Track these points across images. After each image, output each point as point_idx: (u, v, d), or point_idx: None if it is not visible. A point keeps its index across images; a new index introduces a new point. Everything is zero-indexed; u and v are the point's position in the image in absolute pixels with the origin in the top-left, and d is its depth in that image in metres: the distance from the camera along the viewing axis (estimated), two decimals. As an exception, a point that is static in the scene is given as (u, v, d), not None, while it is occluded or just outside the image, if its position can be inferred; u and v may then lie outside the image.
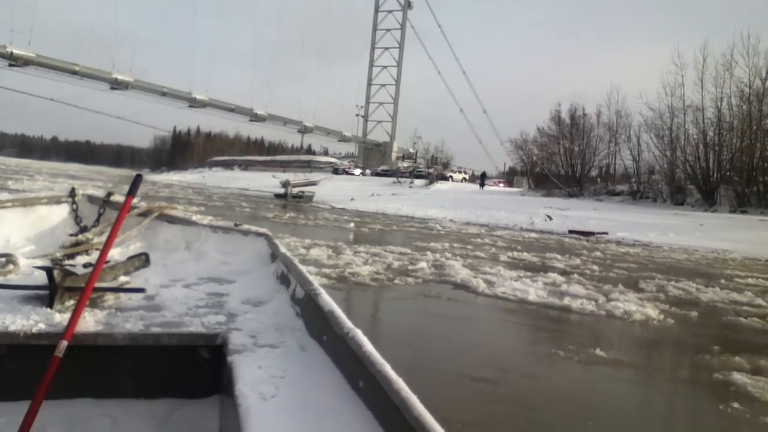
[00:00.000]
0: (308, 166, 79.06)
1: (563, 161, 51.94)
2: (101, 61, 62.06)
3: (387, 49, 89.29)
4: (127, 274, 2.99)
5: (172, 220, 3.93)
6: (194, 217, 3.97)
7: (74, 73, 60.43)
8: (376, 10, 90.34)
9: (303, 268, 2.63)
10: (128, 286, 2.74)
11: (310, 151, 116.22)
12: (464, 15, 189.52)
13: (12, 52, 54.91)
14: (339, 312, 1.95)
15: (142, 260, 3.23)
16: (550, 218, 28.20)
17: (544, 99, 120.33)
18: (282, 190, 37.88)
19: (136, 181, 2.67)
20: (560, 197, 45.67)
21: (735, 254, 19.74)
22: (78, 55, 59.72)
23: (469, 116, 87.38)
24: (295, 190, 38.06)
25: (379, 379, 1.47)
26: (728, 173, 39.83)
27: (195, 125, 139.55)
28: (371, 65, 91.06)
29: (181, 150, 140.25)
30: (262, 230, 3.65)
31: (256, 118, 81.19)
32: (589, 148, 50.96)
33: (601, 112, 50.06)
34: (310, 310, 2.23)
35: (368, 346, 1.63)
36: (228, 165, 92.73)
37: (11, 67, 55.99)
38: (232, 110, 78.86)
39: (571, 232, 24.73)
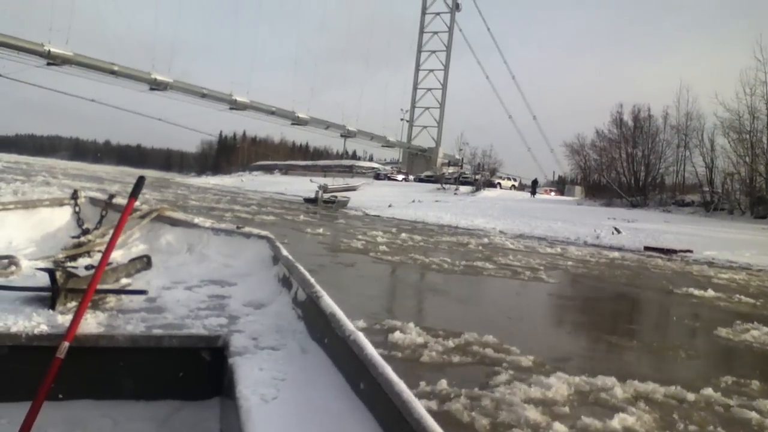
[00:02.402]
0: (350, 170, 76.29)
1: (625, 167, 47.16)
2: (141, 63, 60.38)
3: (434, 52, 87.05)
4: (128, 276, 3.01)
5: (175, 222, 3.91)
6: (196, 220, 3.93)
7: (112, 72, 59.11)
8: (423, 12, 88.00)
9: (305, 271, 2.63)
10: (130, 288, 2.76)
11: (354, 156, 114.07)
12: (512, 20, 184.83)
13: (50, 51, 53.89)
14: (341, 314, 1.98)
15: (143, 262, 3.22)
16: (618, 231, 24.09)
17: (598, 106, 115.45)
18: (313, 195, 34.64)
19: (139, 183, 2.64)
20: (622, 207, 41.22)
21: None
22: (117, 56, 57.76)
23: (517, 123, 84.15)
24: (327, 195, 34.81)
25: (380, 381, 1.50)
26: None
27: (241, 130, 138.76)
28: (417, 68, 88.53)
29: (226, 154, 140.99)
30: (263, 233, 3.62)
31: (297, 121, 79.29)
32: (655, 153, 46.09)
33: (669, 113, 45.16)
34: (311, 313, 2.25)
35: (370, 348, 1.66)
36: (269, 169, 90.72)
37: (49, 66, 54.85)
38: (273, 113, 77.09)
39: (647, 249, 20.66)
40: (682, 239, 22.63)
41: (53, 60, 54.02)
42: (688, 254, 19.64)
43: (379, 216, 29.48)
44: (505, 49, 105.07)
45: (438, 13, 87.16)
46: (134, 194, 2.59)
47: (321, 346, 2.04)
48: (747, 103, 37.80)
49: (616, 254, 18.42)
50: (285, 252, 3.10)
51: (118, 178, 56.01)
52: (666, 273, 14.48)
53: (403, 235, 17.74)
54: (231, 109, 72.27)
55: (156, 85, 63.07)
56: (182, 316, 2.42)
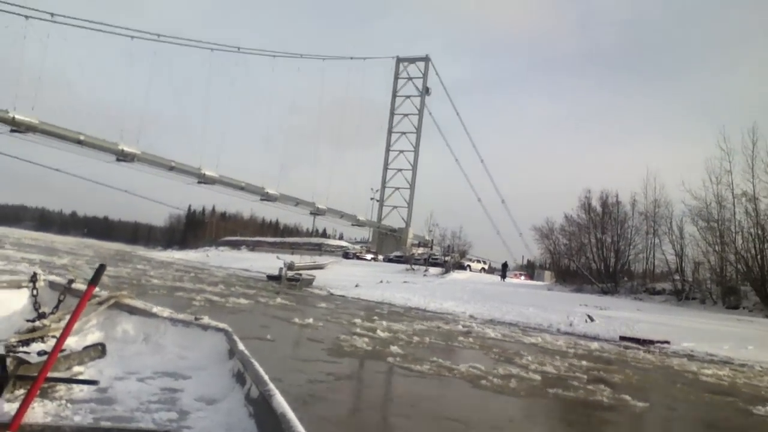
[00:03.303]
0: (318, 249, 75.15)
1: (595, 253, 46.75)
2: (109, 134, 59.94)
3: (404, 133, 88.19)
4: (81, 364, 2.93)
5: (133, 310, 3.81)
6: (155, 309, 3.82)
7: (79, 142, 58.53)
8: (394, 95, 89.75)
9: (259, 367, 2.59)
10: (81, 377, 2.69)
11: (324, 234, 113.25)
12: (481, 106, 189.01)
13: (14, 117, 53.08)
14: (291, 415, 1.94)
15: (98, 351, 3.15)
16: (592, 319, 23.23)
17: (566, 190, 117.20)
18: (277, 272, 33.41)
19: (99, 271, 2.51)
20: (593, 293, 40.48)
21: None
22: (84, 127, 57.33)
23: (486, 206, 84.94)
24: (291, 273, 33.59)
25: None
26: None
27: (210, 205, 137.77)
28: (388, 149, 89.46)
29: (194, 229, 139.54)
30: (222, 325, 3.54)
31: (267, 197, 79.12)
32: (624, 240, 45.76)
33: (636, 200, 45.13)
34: (262, 412, 2.18)
35: None
36: (236, 245, 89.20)
37: (12, 133, 53.92)
38: (242, 188, 76.93)
39: (623, 338, 19.78)
40: (657, 329, 21.81)
41: (17, 127, 53.13)
42: (665, 345, 18.78)
43: (344, 296, 28.31)
44: (474, 132, 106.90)
45: (408, 96, 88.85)
46: (94, 281, 2.46)
47: None
48: (714, 191, 37.83)
49: (589, 344, 17.47)
50: (241, 346, 3.04)
51: (73, 250, 54.27)
52: (647, 367, 13.55)
53: (401, 326, 16.23)
54: (199, 182, 71.68)
55: (123, 156, 62.46)
56: (132, 409, 2.35)
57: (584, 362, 12.80)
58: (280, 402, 2.07)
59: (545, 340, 16.62)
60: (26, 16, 50.94)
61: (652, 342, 19.07)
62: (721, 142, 37.88)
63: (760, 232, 35.67)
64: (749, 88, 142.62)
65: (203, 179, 71.86)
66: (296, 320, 14.63)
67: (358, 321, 15.92)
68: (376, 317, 17.73)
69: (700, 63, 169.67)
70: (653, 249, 44.66)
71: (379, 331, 13.86)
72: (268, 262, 41.59)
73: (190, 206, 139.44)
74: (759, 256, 35.29)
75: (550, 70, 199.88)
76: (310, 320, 14.70)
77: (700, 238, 39.15)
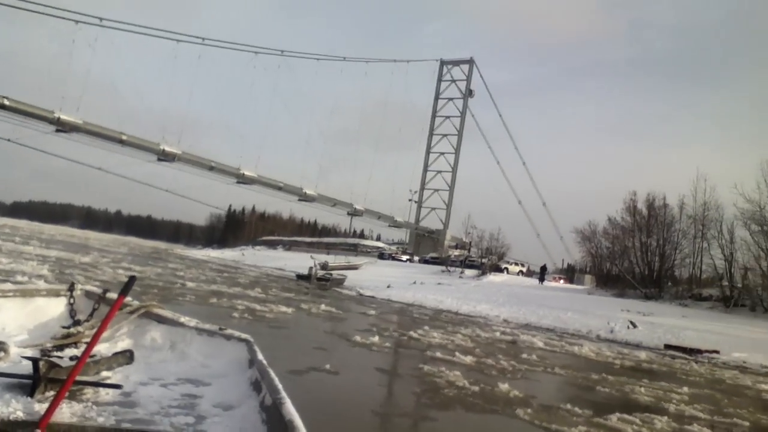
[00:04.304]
0: (354, 249, 74.71)
1: (639, 257, 44.99)
2: (151, 135, 60.51)
3: (445, 135, 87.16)
4: (109, 369, 3.06)
5: (162, 319, 3.99)
6: (182, 319, 3.99)
7: (121, 142, 58.89)
8: (437, 97, 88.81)
9: (274, 376, 2.71)
10: (109, 381, 2.83)
11: (361, 235, 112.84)
12: (525, 108, 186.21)
13: (59, 118, 53.77)
14: (298, 422, 2.08)
15: (126, 357, 3.27)
16: (635, 325, 21.92)
17: (609, 195, 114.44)
18: (306, 271, 32.77)
19: (130, 282, 2.72)
20: (635, 299, 38.81)
21: None
22: (126, 127, 58.04)
23: (527, 208, 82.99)
24: (321, 272, 32.89)
25: None
26: None
27: (251, 205, 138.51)
28: (428, 151, 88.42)
29: (234, 228, 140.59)
30: (244, 336, 3.67)
31: (305, 197, 78.73)
32: (670, 244, 43.94)
33: (685, 203, 43.20)
34: (274, 419, 2.29)
35: None
36: (272, 244, 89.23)
37: (58, 133, 54.78)
38: (280, 188, 76.59)
39: (668, 347, 18.49)
40: (705, 337, 20.44)
41: (62, 127, 53.85)
42: (714, 355, 17.45)
43: (374, 297, 27.47)
44: (517, 135, 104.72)
45: (451, 99, 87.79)
46: (124, 291, 2.70)
47: None
48: (769, 194, 36.01)
49: (629, 352, 16.24)
50: (260, 356, 3.19)
51: (107, 247, 54.70)
52: (694, 379, 12.36)
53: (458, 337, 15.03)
54: (238, 182, 71.66)
55: (164, 156, 62.69)
56: (152, 413, 2.47)
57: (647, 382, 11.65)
58: (290, 409, 2.16)
59: (595, 350, 15.36)
60: (76, 21, 51.74)
61: (700, 351, 17.75)
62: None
63: (816, 236, 33.79)
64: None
65: (242, 179, 71.81)
66: (356, 338, 12.15)
67: (420, 334, 14.19)
68: (427, 326, 16.50)
69: (756, 64, 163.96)
70: (701, 253, 42.65)
71: (458, 354, 11.32)
72: (303, 262, 41.09)
73: (230, 206, 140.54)
74: (814, 262, 33.40)
75: (597, 75, 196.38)
76: (375, 339, 12.14)
77: (751, 243, 37.28)
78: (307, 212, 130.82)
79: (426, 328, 15.20)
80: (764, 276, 36.87)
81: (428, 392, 8.10)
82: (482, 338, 14.98)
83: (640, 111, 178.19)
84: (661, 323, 23.69)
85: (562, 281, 59.55)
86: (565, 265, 74.21)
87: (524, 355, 12.37)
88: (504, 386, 8.62)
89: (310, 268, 32.74)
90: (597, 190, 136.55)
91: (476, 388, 8.34)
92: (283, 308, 15.07)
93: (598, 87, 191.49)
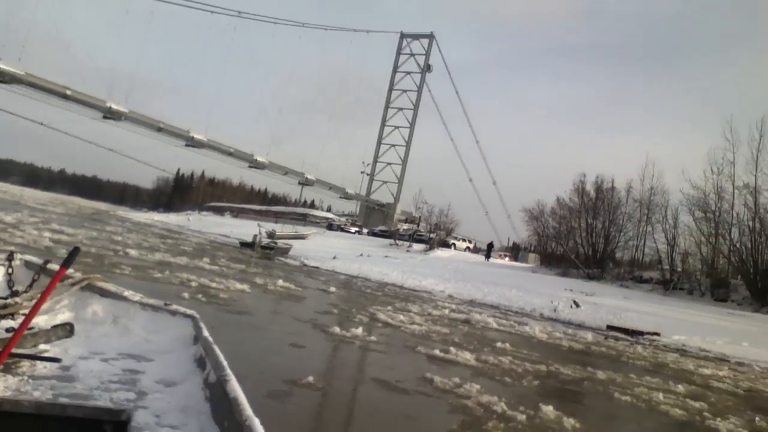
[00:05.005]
0: (303, 219, 73.83)
1: (584, 238, 45.64)
2: (98, 92, 58.16)
3: (401, 109, 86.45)
4: (48, 342, 2.98)
5: (104, 293, 3.90)
6: (126, 293, 3.90)
7: (65, 97, 56.48)
8: (395, 70, 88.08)
9: (220, 353, 2.64)
10: (47, 355, 2.75)
11: (312, 206, 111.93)
12: (481, 88, 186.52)
13: (-1, 67, 51.08)
14: (242, 399, 2.01)
15: (66, 330, 3.16)
16: (578, 305, 21.96)
17: (560, 177, 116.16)
18: (250, 239, 32.01)
19: (73, 254, 2.57)
20: (578, 278, 39.34)
21: None
22: (73, 83, 55.65)
23: (477, 187, 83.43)
24: (266, 241, 32.18)
25: None
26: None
27: (200, 169, 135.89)
28: (383, 124, 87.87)
29: (181, 192, 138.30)
30: (189, 312, 3.58)
31: (255, 164, 77.50)
32: (615, 226, 44.67)
33: (632, 187, 43.93)
34: (218, 396, 2.25)
35: None
36: (220, 211, 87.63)
37: (-5, 82, 52.18)
38: (231, 154, 75.18)
39: (610, 328, 18.52)
40: (645, 319, 20.60)
41: (1, 77, 51.37)
42: (655, 337, 17.54)
43: (318, 267, 26.91)
44: (473, 114, 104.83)
45: (409, 72, 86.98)
46: (67, 263, 2.55)
47: (221, 428, 2.02)
48: (714, 182, 36.76)
49: (575, 333, 16.13)
50: (206, 333, 3.11)
51: (41, 206, 52.56)
52: (638, 363, 12.27)
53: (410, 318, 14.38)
54: (187, 145, 70.01)
55: (110, 114, 60.63)
56: (92, 387, 2.39)
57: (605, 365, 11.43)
58: (234, 387, 2.11)
59: (545, 331, 15.01)
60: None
61: (641, 333, 17.82)
62: (728, 133, 36.84)
63: (758, 225, 34.60)
64: (758, 80, 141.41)
65: (191, 142, 70.14)
66: (335, 330, 10.03)
67: (391, 317, 12.71)
68: (390, 307, 15.82)
69: (709, 55, 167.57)
70: (644, 237, 43.56)
71: (454, 350, 9.54)
72: (250, 230, 40.15)
73: (179, 170, 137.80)
74: (754, 250, 34.25)
75: (554, 58, 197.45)
76: (359, 331, 10.04)
77: (694, 228, 38.13)
78: (257, 180, 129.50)
79: (389, 309, 14.43)
80: (704, 261, 37.78)
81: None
82: (435, 316, 14.44)
83: (594, 95, 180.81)
84: (603, 304, 23.85)
85: (507, 258, 60.11)
86: (511, 243, 75.07)
87: (498, 344, 11.07)
88: (553, 412, 6.52)
89: (255, 235, 31.97)
90: (548, 172, 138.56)
91: (522, 417, 6.20)
92: (238, 285, 13.29)
93: (555, 69, 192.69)
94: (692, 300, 33.73)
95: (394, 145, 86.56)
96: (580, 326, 18.45)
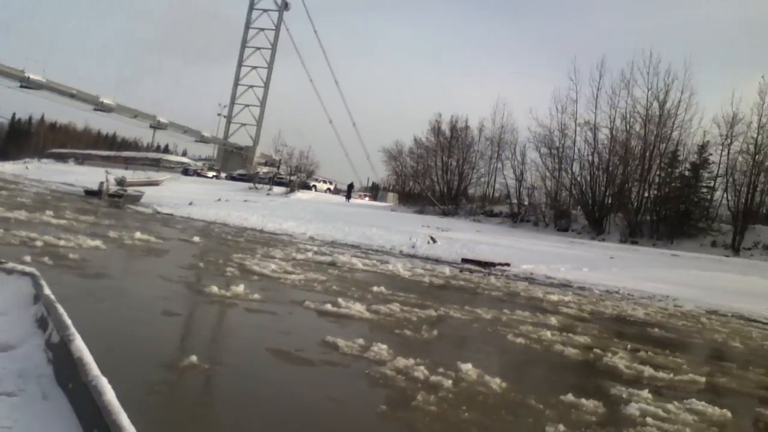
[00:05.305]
0: (157, 164, 70.28)
1: (439, 176, 47.26)
2: None
3: (258, 49, 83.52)
4: None
5: None
6: None
7: None
8: (251, 8, 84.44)
9: (63, 312, 2.46)
10: None
11: (166, 150, 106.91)
12: (340, 28, 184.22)
13: None
14: (89, 359, 1.91)
15: None
16: (435, 241, 22.80)
17: (420, 120, 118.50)
18: (96, 187, 30.20)
19: None
20: (434, 215, 40.88)
21: (680, 301, 15.22)
22: None
23: (337, 129, 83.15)
24: (114, 188, 30.52)
25: (112, 429, 1.39)
26: (620, 200, 36.49)
27: (39, 113, 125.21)
28: (240, 64, 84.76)
29: (18, 139, 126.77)
30: (28, 269, 3.46)
31: (102, 107, 72.87)
32: (468, 164, 46.64)
33: (484, 125, 45.93)
34: (61, 357, 2.10)
35: (109, 394, 1.56)
36: (63, 157, 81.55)
37: None
38: (73, 96, 70.10)
39: (465, 261, 19.41)
40: (496, 251, 21.80)
41: None
42: (506, 268, 18.63)
43: (172, 214, 25.93)
44: (332, 54, 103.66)
45: (266, 10, 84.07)
46: None
47: (65, 391, 1.88)
48: (558, 120, 39.13)
49: (433, 267, 16.78)
50: (47, 291, 3.03)
51: None
52: (492, 293, 13.00)
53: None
54: (22, 87, 64.35)
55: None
56: None
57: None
58: (79, 346, 2.00)
59: (406, 267, 15.37)
60: None
61: (493, 264, 18.85)
62: (572, 73, 39.25)
63: (596, 159, 37.33)
64: (598, 24, 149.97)
65: (27, 83, 64.43)
66: (213, 288, 8.60)
67: (263, 266, 11.76)
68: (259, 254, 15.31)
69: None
70: (495, 173, 45.90)
71: (343, 301, 8.73)
72: (97, 177, 37.79)
73: (14, 114, 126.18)
74: (593, 182, 37.03)
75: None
76: (240, 289, 8.70)
77: (540, 164, 40.56)
78: (104, 124, 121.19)
79: (258, 257, 13.97)
80: (548, 194, 40.41)
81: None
82: (301, 261, 14.20)
83: (449, 36, 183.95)
84: (457, 238, 24.91)
85: (367, 198, 60.99)
86: (371, 184, 76.14)
87: (374, 288, 10.59)
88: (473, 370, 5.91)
89: (101, 183, 30.12)
90: (407, 113, 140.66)
91: (448, 383, 5.44)
92: (90, 241, 11.60)
93: (412, 11, 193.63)
94: (537, 231, 36.11)
95: (252, 86, 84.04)
96: (438, 261, 19.19)
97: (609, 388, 5.92)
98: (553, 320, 9.65)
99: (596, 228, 35.63)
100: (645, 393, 5.76)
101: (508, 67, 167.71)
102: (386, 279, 12.82)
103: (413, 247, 21.55)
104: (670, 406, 5.41)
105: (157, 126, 78.12)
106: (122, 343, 5.35)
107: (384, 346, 6.24)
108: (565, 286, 16.22)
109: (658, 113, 35.77)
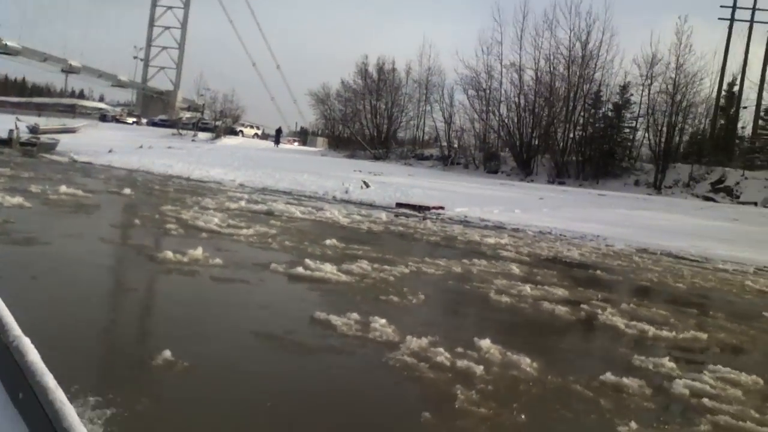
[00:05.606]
0: (72, 111, 66.77)
1: (369, 120, 46.81)
2: None
3: (173, -14, 79.24)
4: None
5: None
6: None
7: None
8: (165, -60, 79.68)
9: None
10: None
11: (81, 96, 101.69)
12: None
13: None
14: (8, 318, 1.76)
15: None
16: (367, 185, 22.57)
17: (347, 63, 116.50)
18: (7, 136, 28.36)
19: None
20: (366, 159, 40.62)
21: (610, 240, 15.56)
22: None
23: (262, 72, 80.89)
24: (26, 136, 28.84)
25: (36, 390, 1.37)
26: (546, 141, 37.11)
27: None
28: (154, 4, 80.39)
29: None
30: None
31: (6, 50, 68.14)
32: (397, 107, 46.35)
33: (411, 68, 45.55)
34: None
35: (33, 355, 1.52)
36: (-35, 105, 76.49)
37: None
38: (-30, 40, 64.90)
39: (399, 205, 19.29)
40: (430, 194, 21.80)
41: None
42: (441, 211, 18.63)
43: (91, 163, 24.71)
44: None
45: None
46: None
47: None
48: (484, 61, 39.14)
49: (368, 213, 16.59)
50: None
51: None
52: (428, 239, 12.96)
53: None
54: None
55: None
56: None
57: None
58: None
59: (342, 214, 15.10)
60: None
61: (428, 208, 18.81)
62: (495, 14, 39.18)
63: (522, 101, 37.65)
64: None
65: None
66: (167, 254, 7.41)
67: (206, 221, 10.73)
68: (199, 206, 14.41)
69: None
70: (424, 116, 45.79)
71: (311, 261, 7.94)
72: (7, 125, 35.67)
73: None
74: (520, 124, 37.43)
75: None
76: (198, 253, 7.62)
77: (468, 106, 40.68)
78: (11, 68, 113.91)
79: (194, 209, 13.31)
80: (477, 137, 40.69)
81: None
82: (236, 210, 13.56)
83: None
84: (391, 182, 24.79)
85: (296, 143, 60.06)
86: (299, 128, 74.90)
87: (328, 242, 9.87)
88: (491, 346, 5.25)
89: (11, 131, 28.29)
90: (333, 56, 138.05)
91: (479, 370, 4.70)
92: (10, 197, 10.30)
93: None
94: (468, 173, 36.45)
95: (168, 27, 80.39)
96: (372, 206, 19.01)
97: (631, 359, 5.41)
98: (514, 269, 9.54)
99: (525, 169, 36.23)
100: (667, 362, 5.29)
101: (434, 6, 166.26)
102: (328, 228, 12.50)
103: (347, 192, 21.28)
104: (706, 378, 4.97)
105: (69, 70, 73.97)
106: (69, 336, 4.48)
107: (383, 321, 5.47)
108: (499, 228, 16.33)
109: (580, 54, 36.30)
